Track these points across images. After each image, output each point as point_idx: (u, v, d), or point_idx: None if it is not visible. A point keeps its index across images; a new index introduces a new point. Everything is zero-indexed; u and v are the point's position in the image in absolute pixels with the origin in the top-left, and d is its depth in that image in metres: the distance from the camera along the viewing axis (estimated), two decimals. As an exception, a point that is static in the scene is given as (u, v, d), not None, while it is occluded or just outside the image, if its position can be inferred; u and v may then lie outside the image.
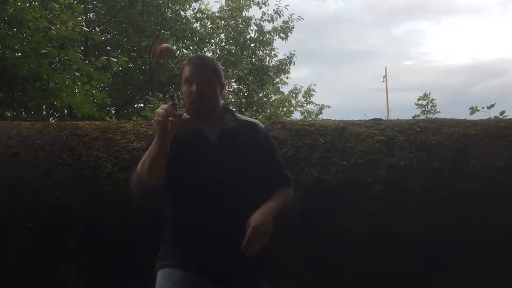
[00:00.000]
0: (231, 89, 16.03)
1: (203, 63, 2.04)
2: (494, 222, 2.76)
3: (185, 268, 1.92)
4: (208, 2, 16.35)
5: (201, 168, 1.93)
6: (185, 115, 1.78)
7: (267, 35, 15.88)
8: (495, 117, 4.17)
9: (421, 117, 5.12)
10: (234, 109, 2.20)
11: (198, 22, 15.67)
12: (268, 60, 16.40)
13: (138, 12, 13.40)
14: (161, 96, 10.75)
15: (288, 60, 16.03)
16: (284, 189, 2.09)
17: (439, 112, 5.64)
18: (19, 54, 7.13)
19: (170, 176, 1.88)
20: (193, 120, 1.89)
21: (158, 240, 2.04)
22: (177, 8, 14.51)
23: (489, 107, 4.47)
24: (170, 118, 1.74)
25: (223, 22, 15.94)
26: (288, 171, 2.16)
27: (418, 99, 5.81)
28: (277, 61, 16.31)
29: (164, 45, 2.09)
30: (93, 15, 14.58)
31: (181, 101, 2.53)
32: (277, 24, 15.70)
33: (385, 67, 27.07)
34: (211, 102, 2.00)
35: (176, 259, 1.95)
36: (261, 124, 2.14)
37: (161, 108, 1.78)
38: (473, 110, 4.62)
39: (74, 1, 11.22)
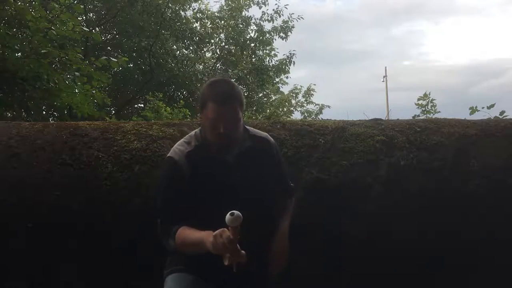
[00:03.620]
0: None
1: (232, 100, 1.91)
2: (494, 222, 2.76)
3: (195, 273, 1.96)
4: (208, 2, 16.32)
5: (218, 189, 1.96)
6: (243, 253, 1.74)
7: (267, 35, 15.88)
8: (495, 117, 4.17)
9: (421, 117, 5.12)
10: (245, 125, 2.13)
11: (198, 22, 15.68)
12: (268, 60, 16.42)
13: (138, 12, 13.40)
14: (161, 96, 10.77)
15: (288, 60, 16.03)
16: (289, 201, 2.23)
17: (439, 112, 5.64)
18: (19, 54, 7.13)
19: (191, 194, 1.93)
20: (214, 143, 1.95)
21: (159, 241, 2.04)
22: (177, 8, 14.50)
23: (489, 107, 4.47)
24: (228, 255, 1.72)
25: (223, 22, 15.94)
26: (290, 180, 2.26)
27: (418, 99, 5.81)
28: (277, 61, 16.32)
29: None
30: (93, 15, 14.59)
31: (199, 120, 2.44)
32: (277, 24, 15.73)
33: (385, 67, 27.16)
34: (237, 137, 1.97)
35: (187, 265, 1.98)
36: (272, 139, 2.18)
37: (225, 238, 1.70)
38: (473, 110, 4.62)
39: (74, 1, 11.23)
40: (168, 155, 2.03)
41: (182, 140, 2.06)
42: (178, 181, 1.95)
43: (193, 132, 2.07)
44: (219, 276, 1.92)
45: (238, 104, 1.92)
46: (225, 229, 1.69)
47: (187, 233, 1.87)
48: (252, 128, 2.15)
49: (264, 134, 2.18)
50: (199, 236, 1.81)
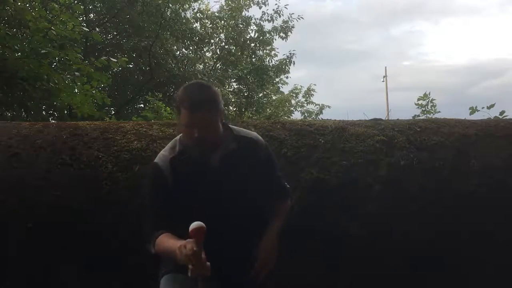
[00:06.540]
0: (231, 89, 16.05)
1: (202, 105, 1.88)
2: (494, 222, 2.76)
3: (187, 274, 1.95)
4: (208, 2, 16.38)
5: (202, 191, 1.94)
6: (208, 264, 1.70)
7: (267, 35, 15.89)
8: (495, 117, 4.18)
9: (421, 117, 5.12)
10: (231, 125, 2.13)
11: (198, 22, 15.69)
12: (268, 60, 16.46)
13: (138, 12, 13.41)
14: (161, 96, 10.77)
15: (288, 60, 16.07)
16: (283, 203, 2.15)
17: (439, 112, 5.64)
18: (19, 54, 7.12)
19: (175, 199, 1.93)
20: (194, 147, 1.93)
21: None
22: (177, 8, 14.51)
23: (489, 107, 4.48)
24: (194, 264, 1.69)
25: (223, 22, 15.95)
26: (285, 181, 2.18)
27: (418, 99, 5.82)
28: (277, 61, 16.35)
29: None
30: (93, 15, 14.59)
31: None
32: (277, 24, 15.74)
33: (385, 67, 27.12)
34: (213, 140, 1.95)
35: (179, 266, 1.97)
36: (261, 139, 2.12)
37: (188, 249, 1.67)
38: (473, 110, 4.62)
39: (74, 1, 11.22)
40: (154, 160, 2.04)
41: (168, 145, 2.07)
42: (161, 187, 1.97)
43: (177, 137, 2.07)
44: (217, 275, 1.93)
45: (210, 108, 1.89)
46: (190, 240, 1.67)
47: (163, 242, 1.89)
48: (238, 128, 2.11)
49: (253, 134, 2.12)
50: (171, 245, 1.82)
